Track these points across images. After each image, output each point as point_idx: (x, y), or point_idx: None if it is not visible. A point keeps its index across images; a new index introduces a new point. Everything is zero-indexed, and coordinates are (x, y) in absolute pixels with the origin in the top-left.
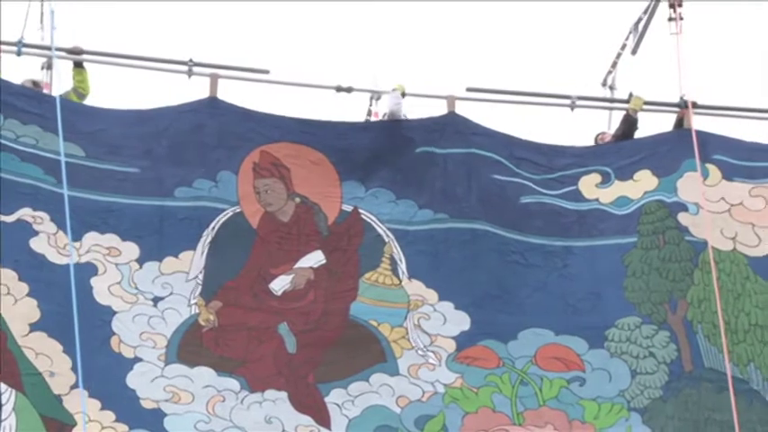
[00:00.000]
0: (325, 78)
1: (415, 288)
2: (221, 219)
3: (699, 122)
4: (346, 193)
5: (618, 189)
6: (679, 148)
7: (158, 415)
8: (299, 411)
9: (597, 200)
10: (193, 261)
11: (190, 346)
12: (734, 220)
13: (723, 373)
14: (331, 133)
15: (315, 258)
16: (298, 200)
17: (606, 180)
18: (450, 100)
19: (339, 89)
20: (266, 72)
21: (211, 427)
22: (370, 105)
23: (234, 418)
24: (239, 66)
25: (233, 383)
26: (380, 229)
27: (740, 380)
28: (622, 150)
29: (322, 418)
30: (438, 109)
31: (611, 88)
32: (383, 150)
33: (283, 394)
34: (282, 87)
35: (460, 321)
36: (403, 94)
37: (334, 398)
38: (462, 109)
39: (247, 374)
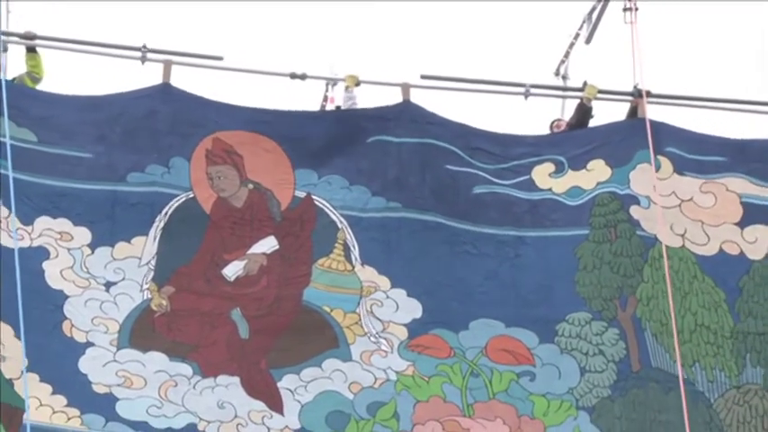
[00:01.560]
0: (280, 65)
1: (368, 274)
2: (174, 204)
3: (653, 112)
4: (299, 180)
5: (571, 179)
6: (632, 138)
7: (110, 399)
8: (252, 397)
9: (550, 189)
10: (146, 246)
11: (142, 331)
12: (684, 217)
13: (669, 374)
14: (285, 122)
15: (268, 244)
16: (251, 186)
17: (560, 169)
18: (405, 87)
19: (293, 76)
20: (220, 59)
21: (163, 411)
22: (326, 92)
23: (186, 403)
24: (193, 52)
25: (185, 368)
26: (333, 215)
27: (685, 381)
28: (576, 139)
29: (274, 403)
30: (392, 96)
31: (564, 78)
32: (337, 139)
33: (236, 379)
34: (236, 74)
35: (413, 309)
36: (357, 83)
37: (286, 383)
38: (417, 96)
39: (200, 360)
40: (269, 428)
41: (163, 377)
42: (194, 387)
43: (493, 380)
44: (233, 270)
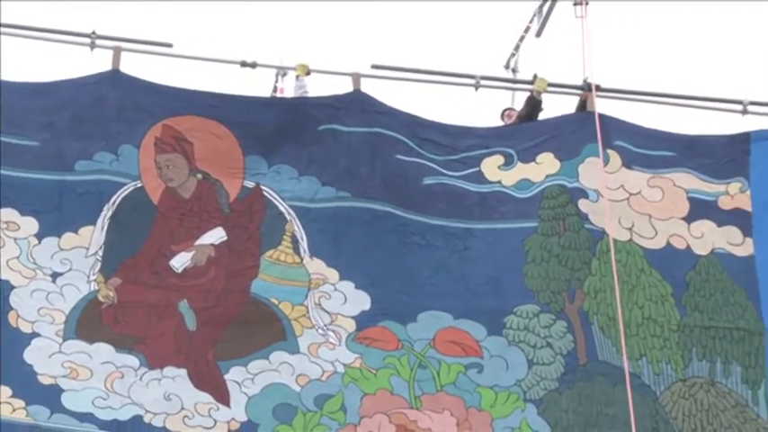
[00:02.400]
0: (230, 53)
1: (317, 266)
2: (122, 193)
3: (602, 106)
4: (249, 169)
5: (520, 171)
6: (581, 132)
7: (56, 391)
8: (199, 389)
9: (499, 182)
10: (93, 236)
11: (89, 323)
12: (632, 210)
13: (616, 367)
14: (235, 107)
15: (216, 235)
16: (200, 176)
17: (509, 162)
18: (356, 77)
19: (244, 64)
20: (170, 46)
21: (109, 403)
22: (276, 82)
23: (132, 395)
24: (142, 39)
25: (132, 360)
26: (282, 206)
27: (632, 374)
28: (526, 132)
29: (221, 395)
30: (343, 86)
31: (514, 71)
32: (287, 126)
33: (182, 371)
34: (186, 62)
35: (361, 301)
36: (308, 72)
37: (233, 375)
38: (368, 86)
39: (147, 351)
40: (215, 421)
41: (109, 369)
42: (141, 379)
43: (441, 372)
44: (181, 261)
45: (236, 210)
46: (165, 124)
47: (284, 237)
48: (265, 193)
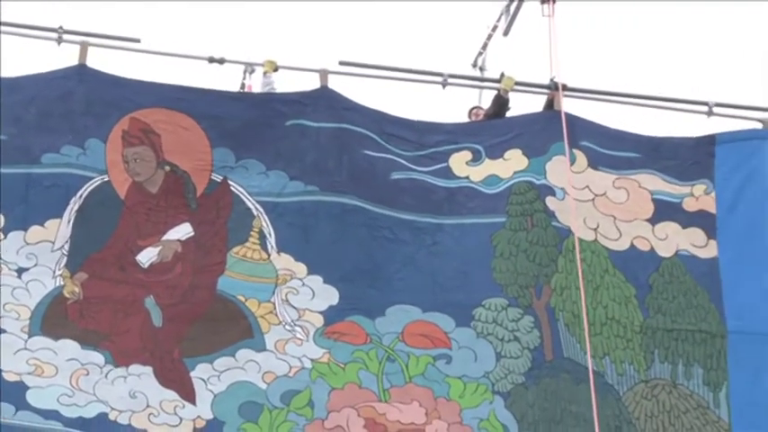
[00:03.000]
0: (198, 49)
1: (284, 262)
2: (89, 187)
3: (569, 106)
4: (217, 161)
5: (488, 167)
6: (549, 130)
7: (21, 388)
8: (164, 386)
9: (467, 178)
10: (59, 230)
11: (54, 319)
12: (597, 211)
13: (580, 365)
14: (203, 101)
15: (183, 231)
16: (167, 168)
17: (477, 158)
18: (323, 73)
19: (211, 60)
20: (137, 41)
21: (74, 400)
22: (244, 79)
23: (98, 393)
24: (110, 34)
25: (97, 357)
26: (249, 202)
27: (596, 373)
28: (494, 128)
29: (187, 393)
30: (311, 82)
31: (482, 69)
32: (254, 121)
33: (148, 369)
34: (154, 57)
35: (329, 296)
36: (275, 69)
37: (199, 373)
38: (335, 83)
39: (112, 348)
40: (181, 418)
41: (74, 366)
42: (106, 376)
43: (409, 364)
44: (147, 256)
45: (203, 205)
46: (132, 117)
47: (252, 233)
48: (233, 189)
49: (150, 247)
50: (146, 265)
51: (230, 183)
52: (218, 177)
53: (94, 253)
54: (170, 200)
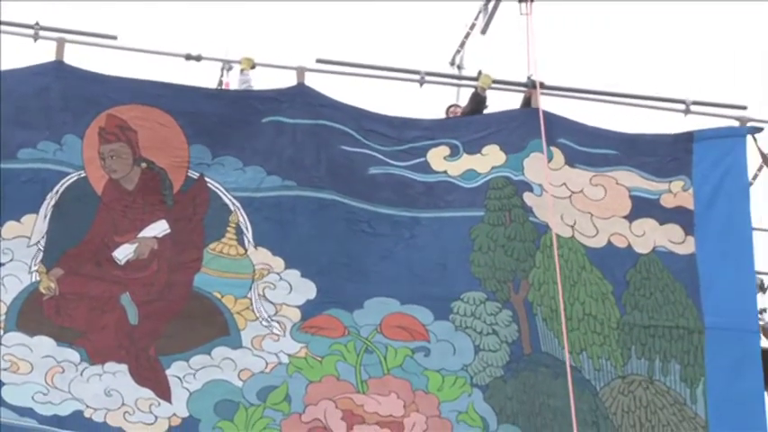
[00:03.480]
0: (175, 46)
1: (261, 256)
2: (66, 182)
3: (547, 104)
4: (194, 158)
5: (466, 162)
6: (526, 127)
7: None
8: (139, 384)
9: (445, 172)
10: (36, 225)
11: (30, 315)
12: (574, 208)
13: (558, 359)
14: (180, 97)
15: (159, 228)
16: (144, 165)
17: (455, 153)
18: (300, 71)
19: (189, 57)
20: (114, 38)
21: (49, 398)
22: (221, 76)
23: (73, 390)
24: (87, 31)
25: (73, 354)
26: (226, 198)
27: (573, 367)
28: (471, 124)
29: (162, 391)
30: (288, 80)
31: (459, 67)
32: (231, 118)
33: (123, 367)
34: (131, 54)
35: (306, 290)
36: (253, 66)
37: (175, 371)
38: (312, 80)
39: (87, 346)
40: (156, 417)
41: (50, 363)
42: (81, 374)
43: (387, 356)
44: (123, 253)
45: (179, 202)
46: (109, 114)
47: (228, 228)
48: (210, 185)
49: (127, 243)
50: (122, 262)
51: (207, 179)
52: (194, 174)
53: (71, 248)
54: (147, 197)
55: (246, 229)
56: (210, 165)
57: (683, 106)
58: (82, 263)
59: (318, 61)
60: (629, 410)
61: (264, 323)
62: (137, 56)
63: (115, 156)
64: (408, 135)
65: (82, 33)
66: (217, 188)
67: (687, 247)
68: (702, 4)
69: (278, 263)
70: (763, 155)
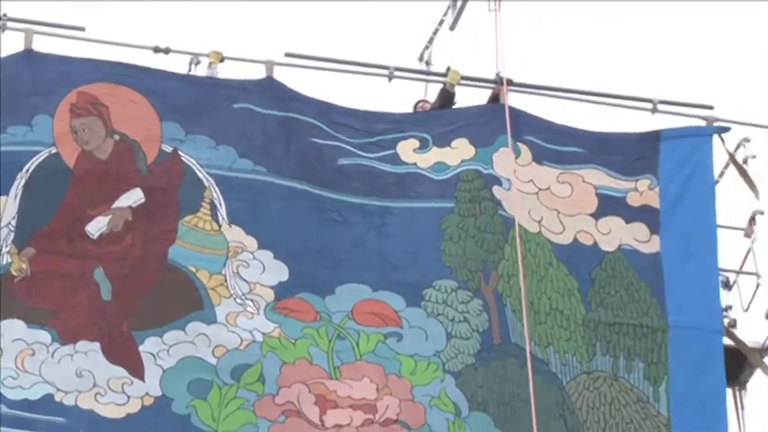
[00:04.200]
0: (143, 38)
1: (235, 234)
2: (36, 161)
3: (515, 101)
4: (166, 134)
5: (436, 155)
6: (495, 122)
7: None
8: (112, 363)
9: (415, 164)
10: (6, 206)
11: (2, 298)
12: (541, 205)
13: (525, 351)
14: (150, 77)
15: (134, 197)
16: (117, 137)
17: (424, 146)
18: (269, 65)
19: (157, 50)
20: (82, 29)
21: (19, 383)
22: (189, 70)
23: (44, 373)
24: (54, 22)
25: (44, 336)
26: (200, 173)
27: (541, 360)
28: (440, 118)
29: (135, 368)
30: (256, 74)
31: (428, 63)
32: (202, 101)
33: (96, 345)
34: (99, 46)
35: (279, 272)
36: (221, 59)
37: (148, 347)
38: (281, 74)
39: (59, 326)
40: (129, 396)
41: (20, 346)
42: (52, 355)
43: (360, 342)
44: (96, 227)
45: (153, 172)
46: (79, 91)
47: (203, 203)
48: (184, 159)
49: (100, 216)
50: (95, 236)
51: (181, 153)
52: (168, 148)
53: (42, 227)
54: (120, 166)
55: (220, 204)
56: (183, 141)
57: (650, 105)
58: (54, 240)
59: (287, 55)
60: (594, 406)
61: (239, 300)
62: (104, 48)
63: (87, 128)
64: (377, 128)
65: (49, 25)
66: (191, 162)
67: (652, 245)
68: (671, 4)
69: (251, 242)
70: (730, 155)
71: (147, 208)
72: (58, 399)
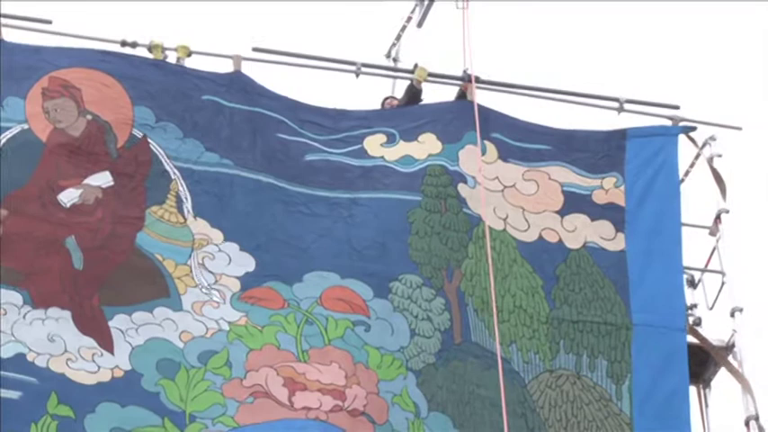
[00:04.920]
0: (111, 32)
1: (201, 227)
2: (8, 135)
3: (483, 99)
4: (138, 117)
5: (403, 149)
6: (462, 119)
7: None
8: (83, 333)
9: (382, 157)
10: None
11: None
12: (506, 202)
13: (487, 350)
14: (122, 62)
15: (103, 179)
16: (89, 117)
17: (391, 140)
18: (237, 59)
19: (124, 44)
20: (49, 22)
21: None
22: None
23: (15, 333)
24: (21, 15)
25: (16, 297)
26: (168, 165)
27: (503, 359)
28: (407, 114)
29: (105, 341)
30: (224, 68)
31: (395, 60)
32: (173, 88)
33: (67, 313)
34: (67, 39)
35: (245, 263)
36: (189, 54)
37: (117, 323)
38: (249, 69)
39: (31, 288)
40: (99, 366)
41: None
42: (24, 317)
43: (328, 327)
44: (69, 197)
45: (122, 157)
46: (51, 76)
47: (169, 195)
48: (152, 148)
49: (72, 188)
50: (67, 205)
51: (150, 141)
52: (138, 133)
53: (15, 190)
54: (91, 146)
55: (186, 198)
56: (154, 127)
57: (616, 104)
58: (27, 203)
59: (255, 50)
60: (556, 405)
61: (204, 290)
62: (72, 41)
63: (60, 109)
64: (344, 125)
65: (16, 18)
66: (159, 153)
67: (617, 243)
68: (639, 4)
69: (217, 235)
70: (701, 154)
71: (116, 191)
72: (30, 359)
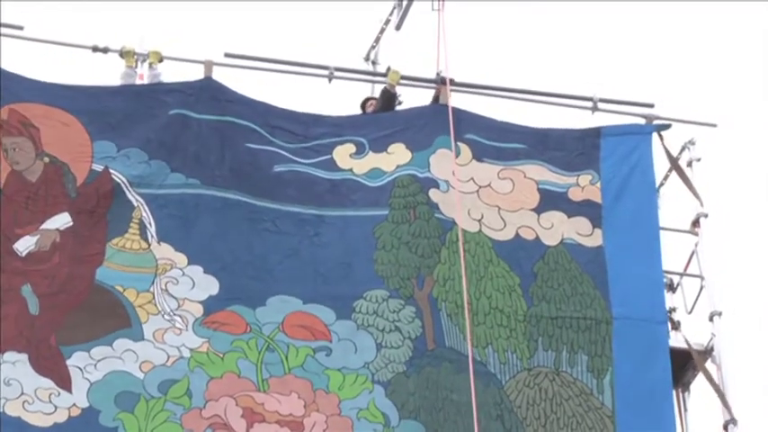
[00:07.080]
0: (82, 37)
1: (164, 251)
2: None
3: (458, 101)
4: (97, 153)
5: (372, 161)
6: (434, 124)
7: None
8: (40, 374)
9: (351, 170)
10: None
11: None
12: (481, 202)
13: (462, 354)
14: (83, 96)
15: (61, 221)
16: (47, 159)
17: (360, 151)
18: (208, 65)
19: (95, 49)
20: (20, 28)
21: None
22: (135, 67)
23: None
24: None
25: None
26: (130, 194)
27: (478, 362)
28: (379, 122)
29: (62, 380)
30: (196, 74)
31: (374, 63)
32: (137, 112)
33: (23, 356)
34: (38, 45)
35: (209, 286)
36: (160, 59)
37: (75, 361)
38: (220, 75)
39: None
40: (56, 406)
41: None
42: None
43: (289, 355)
44: (24, 245)
45: (83, 194)
46: (11, 108)
47: (132, 224)
48: (114, 177)
49: (28, 235)
50: (23, 254)
51: (112, 171)
52: (98, 167)
53: None
54: (49, 189)
55: (150, 224)
56: (116, 157)
57: (590, 104)
58: None
59: (227, 55)
60: (534, 403)
61: (167, 317)
62: (43, 47)
63: (18, 148)
64: (315, 132)
65: None
66: (121, 181)
67: (595, 239)
68: (614, 4)
69: (181, 258)
70: (668, 153)
71: (75, 230)
72: None
